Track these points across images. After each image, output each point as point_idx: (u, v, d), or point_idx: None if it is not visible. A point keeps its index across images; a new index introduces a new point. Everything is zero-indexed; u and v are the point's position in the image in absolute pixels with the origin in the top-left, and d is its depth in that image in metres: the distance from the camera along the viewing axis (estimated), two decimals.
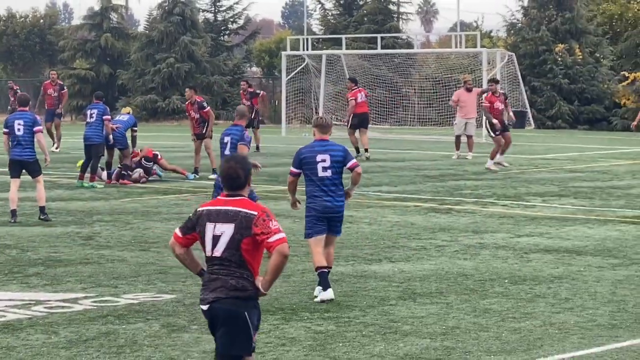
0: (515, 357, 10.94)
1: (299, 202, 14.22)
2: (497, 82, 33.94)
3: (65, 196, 24.73)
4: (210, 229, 8.46)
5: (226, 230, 8.38)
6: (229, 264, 8.41)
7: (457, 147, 35.58)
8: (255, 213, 8.36)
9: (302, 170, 13.82)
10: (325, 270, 13.62)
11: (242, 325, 8.37)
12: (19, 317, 12.69)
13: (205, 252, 8.55)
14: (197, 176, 29.40)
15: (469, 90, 36.08)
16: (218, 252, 8.43)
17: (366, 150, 34.59)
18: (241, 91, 41.47)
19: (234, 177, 8.50)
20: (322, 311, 13.04)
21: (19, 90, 44.46)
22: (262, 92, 42.69)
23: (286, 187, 26.58)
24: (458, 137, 35.93)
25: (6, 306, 13.25)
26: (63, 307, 13.23)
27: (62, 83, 40.16)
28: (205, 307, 8.49)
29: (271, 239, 8.29)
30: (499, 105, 31.65)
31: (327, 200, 13.65)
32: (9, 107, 46.09)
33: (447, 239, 18.68)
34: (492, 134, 32.18)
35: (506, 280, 14.94)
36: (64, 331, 11.96)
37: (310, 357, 10.91)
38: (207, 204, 8.75)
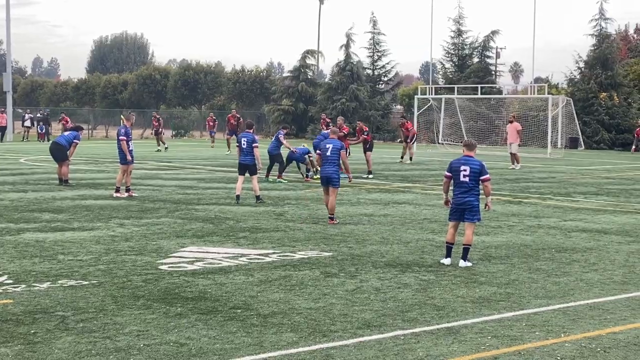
0: (554, 301, 10.64)
1: (450, 202, 13.34)
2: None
3: (268, 187, 24.97)
4: None
5: None
6: None
7: (512, 161, 36.18)
8: None
9: (452, 174, 13.20)
10: (450, 244, 13.16)
11: None
12: (229, 264, 12.83)
13: None
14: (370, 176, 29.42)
15: (510, 122, 37.41)
16: None
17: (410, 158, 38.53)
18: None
19: None
20: (427, 266, 12.88)
21: (241, 118, 47.06)
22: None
23: (411, 184, 26.47)
24: (511, 154, 36.40)
25: (222, 257, 13.40)
26: (258, 258, 13.32)
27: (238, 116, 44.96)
28: None
29: None
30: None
31: (461, 197, 13.05)
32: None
33: (516, 221, 18.30)
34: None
35: (553, 250, 14.56)
36: (257, 274, 12.06)
37: (416, 296, 10.79)
38: None
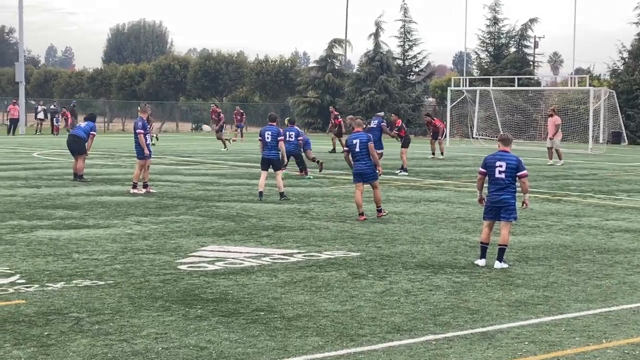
0: (595, 305, 10.57)
1: (484, 199, 13.33)
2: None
3: (293, 183, 25.00)
4: None
5: None
6: None
7: (549, 156, 35.79)
8: None
9: (486, 170, 13.13)
10: (485, 245, 13.13)
11: None
12: (252, 264, 12.87)
13: None
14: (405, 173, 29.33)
15: (550, 116, 36.78)
16: None
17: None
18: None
19: None
20: (460, 267, 12.85)
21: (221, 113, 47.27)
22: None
23: (444, 181, 26.50)
24: (548, 149, 36.05)
25: (244, 257, 13.44)
26: (282, 258, 13.35)
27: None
28: None
29: None
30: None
31: (496, 194, 13.00)
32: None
33: (554, 220, 18.21)
34: None
35: (594, 251, 14.48)
36: (281, 275, 12.08)
37: (449, 299, 10.77)
38: None
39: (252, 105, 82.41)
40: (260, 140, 21.34)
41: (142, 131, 22.20)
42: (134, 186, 22.25)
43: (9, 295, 10.55)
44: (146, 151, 22.22)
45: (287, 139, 26.61)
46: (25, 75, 68.77)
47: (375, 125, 29.45)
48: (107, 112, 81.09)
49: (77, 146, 25.22)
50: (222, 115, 45.07)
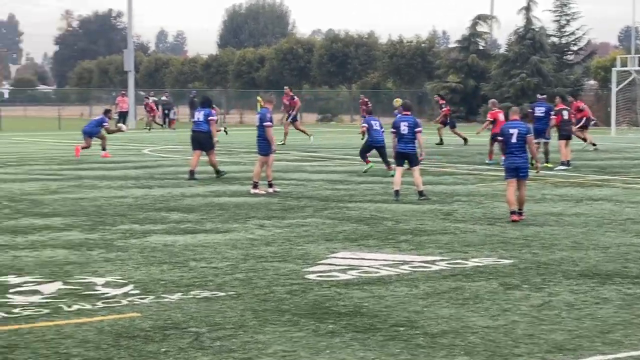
0: None
1: None
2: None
3: (433, 181, 24.91)
4: None
5: None
6: None
7: None
8: None
9: None
10: None
11: None
12: (389, 273, 12.87)
13: None
14: (568, 167, 28.86)
15: None
16: None
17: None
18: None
19: None
20: (632, 277, 12.55)
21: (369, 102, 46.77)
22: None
23: (609, 176, 26.01)
24: None
25: (380, 264, 13.46)
26: (424, 266, 13.32)
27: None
28: None
29: None
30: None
31: None
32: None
33: None
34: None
35: None
36: (422, 285, 12.05)
37: (619, 314, 10.54)
38: None
39: (385, 92, 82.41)
40: (393, 132, 21.32)
41: (271, 124, 22.46)
42: (255, 186, 22.56)
43: (122, 308, 10.85)
44: (274, 146, 22.56)
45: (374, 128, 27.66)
46: (135, 64, 70.50)
47: (542, 114, 29.10)
48: (223, 102, 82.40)
49: (206, 141, 25.75)
50: (296, 99, 42.05)
